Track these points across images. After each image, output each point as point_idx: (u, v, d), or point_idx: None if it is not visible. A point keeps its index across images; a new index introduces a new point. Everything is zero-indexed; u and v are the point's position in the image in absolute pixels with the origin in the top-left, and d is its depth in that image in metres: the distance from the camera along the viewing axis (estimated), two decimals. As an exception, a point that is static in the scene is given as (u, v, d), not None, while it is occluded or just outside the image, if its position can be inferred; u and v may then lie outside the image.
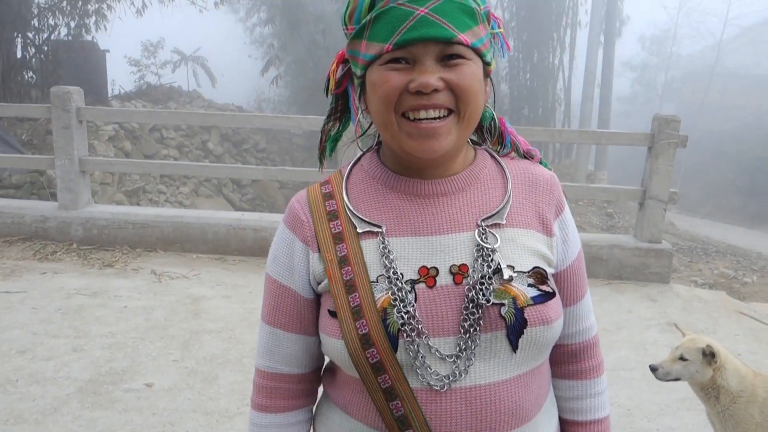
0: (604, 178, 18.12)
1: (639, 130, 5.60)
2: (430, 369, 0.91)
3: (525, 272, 0.95)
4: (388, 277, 0.93)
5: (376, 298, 0.92)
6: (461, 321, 0.91)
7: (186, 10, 14.26)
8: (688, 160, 25.22)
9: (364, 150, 1.10)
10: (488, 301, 0.91)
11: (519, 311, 0.91)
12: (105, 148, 10.15)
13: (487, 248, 0.94)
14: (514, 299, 0.92)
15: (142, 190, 10.79)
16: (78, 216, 5.49)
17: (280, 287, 1.03)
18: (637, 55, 36.50)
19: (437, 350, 0.91)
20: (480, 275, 0.92)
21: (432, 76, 0.88)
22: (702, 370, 2.26)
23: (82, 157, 5.55)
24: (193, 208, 11.45)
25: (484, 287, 0.91)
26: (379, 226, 0.97)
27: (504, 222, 0.98)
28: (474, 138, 1.10)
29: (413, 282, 0.93)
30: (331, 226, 0.99)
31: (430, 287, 0.93)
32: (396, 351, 0.90)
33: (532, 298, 0.93)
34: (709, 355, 2.24)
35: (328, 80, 1.06)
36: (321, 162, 1.14)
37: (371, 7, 0.91)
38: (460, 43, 0.89)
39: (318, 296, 1.02)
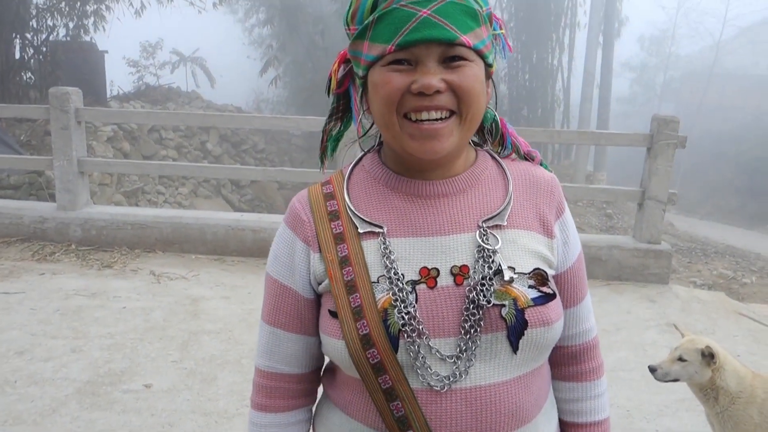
0: (603, 178, 18.13)
1: (638, 131, 5.60)
2: (431, 370, 0.91)
3: (526, 273, 0.95)
4: (389, 278, 0.93)
5: (376, 299, 0.92)
6: (462, 322, 0.91)
7: (185, 10, 14.25)
8: (687, 160, 25.24)
9: (365, 150, 1.10)
10: (489, 302, 0.91)
11: (520, 312, 0.91)
12: (104, 148, 10.14)
13: (488, 249, 0.94)
14: (515, 300, 0.92)
15: (140, 190, 10.79)
16: (77, 217, 5.49)
17: (281, 287, 1.03)
18: (636, 55, 36.51)
19: (438, 351, 0.91)
20: (481, 276, 0.92)
21: (434, 77, 0.88)
22: (701, 370, 2.26)
23: (80, 157, 5.54)
24: (192, 208, 11.45)
25: (484, 288, 0.91)
26: (381, 227, 0.97)
27: (505, 223, 0.98)
28: (475, 139, 1.10)
29: (414, 283, 0.93)
30: (332, 226, 0.99)
31: (431, 288, 0.93)
32: (396, 351, 0.90)
33: (533, 299, 0.93)
34: (708, 356, 2.24)
35: (330, 80, 1.06)
36: (322, 162, 1.14)
37: (374, 7, 0.91)
38: (463, 45, 0.89)
39: (318, 296, 1.02)
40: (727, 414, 2.25)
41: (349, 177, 1.05)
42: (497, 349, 0.92)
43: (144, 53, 19.16)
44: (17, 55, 11.49)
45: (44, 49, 11.79)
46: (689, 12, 35.88)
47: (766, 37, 32.47)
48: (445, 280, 0.93)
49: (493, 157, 1.08)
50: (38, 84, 11.52)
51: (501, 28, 1.02)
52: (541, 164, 1.11)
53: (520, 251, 0.97)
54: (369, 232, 0.97)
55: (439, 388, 0.91)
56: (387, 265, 0.94)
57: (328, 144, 1.12)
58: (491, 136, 1.09)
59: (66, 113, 5.39)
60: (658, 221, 5.13)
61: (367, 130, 1.08)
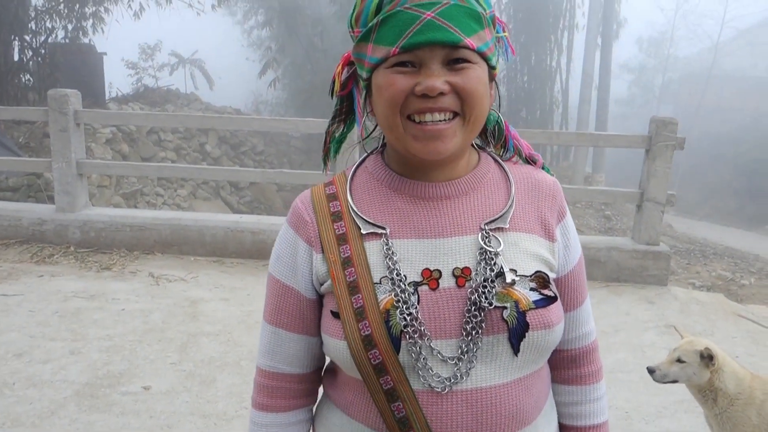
0: (601, 180, 18.15)
1: (636, 132, 5.61)
2: (432, 371, 0.91)
3: (527, 276, 0.95)
4: (392, 279, 0.93)
5: (379, 300, 0.92)
6: (463, 323, 0.92)
7: (183, 12, 14.27)
8: (686, 162, 25.25)
9: (368, 152, 1.11)
10: (491, 304, 0.91)
11: (521, 315, 0.92)
12: (102, 150, 10.14)
13: (490, 252, 0.94)
14: (517, 303, 0.92)
15: (139, 192, 10.79)
16: (75, 219, 5.49)
17: (283, 287, 1.03)
18: (635, 57, 36.54)
19: (439, 352, 0.91)
20: (483, 278, 0.93)
21: (438, 79, 0.89)
22: (699, 372, 2.26)
23: (79, 159, 5.54)
24: (191, 210, 11.44)
25: (486, 290, 0.92)
26: (383, 228, 0.97)
27: (507, 226, 0.99)
28: (478, 141, 1.11)
29: (416, 284, 0.93)
30: (335, 227, 0.99)
31: (433, 289, 0.93)
32: (398, 352, 0.90)
33: (534, 302, 0.93)
34: (707, 358, 2.24)
35: (333, 82, 1.06)
36: (325, 163, 1.14)
37: (378, 10, 0.92)
38: (466, 47, 0.90)
39: (320, 297, 1.02)
40: (726, 415, 2.25)
41: (352, 178, 1.06)
42: (498, 351, 0.93)
43: (143, 55, 19.15)
44: (16, 57, 11.48)
45: (43, 51, 11.79)
46: (687, 14, 35.96)
47: (765, 38, 32.51)
48: (447, 281, 0.94)
49: (495, 160, 1.08)
50: (37, 86, 11.52)
51: (504, 31, 1.03)
52: (543, 168, 1.12)
53: (521, 254, 0.97)
54: (372, 234, 0.98)
55: (440, 390, 0.91)
56: (389, 267, 0.94)
57: (331, 146, 1.12)
58: (494, 139, 1.10)
59: (65, 115, 5.39)
60: (656, 223, 5.14)
61: (371, 132, 1.09)
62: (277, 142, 15.98)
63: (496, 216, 0.99)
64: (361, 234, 0.98)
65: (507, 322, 0.92)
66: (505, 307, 0.92)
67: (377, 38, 0.92)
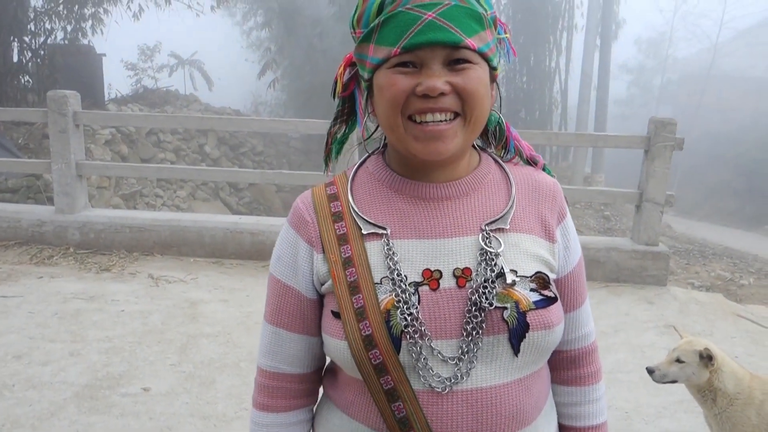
0: (601, 180, 18.16)
1: (635, 133, 5.61)
2: (432, 371, 0.91)
3: (527, 277, 0.96)
4: (392, 279, 0.93)
5: (379, 300, 0.93)
6: (464, 324, 0.92)
7: (183, 14, 14.26)
8: (685, 162, 25.26)
9: (370, 152, 1.11)
10: (491, 304, 0.91)
11: (521, 315, 0.92)
12: (102, 152, 10.14)
13: (491, 252, 0.95)
14: (517, 303, 0.93)
15: (139, 193, 10.78)
16: (75, 220, 5.48)
17: (284, 287, 1.04)
18: (633, 57, 36.60)
19: (439, 352, 0.92)
20: (483, 279, 0.93)
21: (439, 79, 0.89)
22: (698, 372, 2.27)
23: (78, 161, 5.54)
24: (190, 211, 11.44)
25: (487, 291, 0.92)
26: (384, 228, 0.98)
27: (508, 227, 0.99)
28: (479, 142, 1.11)
29: (417, 284, 0.94)
30: (336, 227, 1.00)
31: (434, 290, 0.93)
32: (399, 352, 0.91)
33: (535, 302, 0.94)
34: (707, 358, 2.25)
35: (335, 83, 1.07)
36: (326, 164, 1.15)
37: (380, 11, 0.92)
38: (467, 48, 0.90)
39: (321, 297, 1.03)
40: (725, 415, 2.25)
41: (352, 178, 1.06)
42: (498, 352, 0.93)
43: (142, 56, 19.14)
44: (15, 59, 11.48)
45: (42, 52, 11.79)
46: (686, 15, 36.05)
47: (763, 39, 32.55)
48: (447, 282, 0.94)
49: (496, 161, 1.09)
50: (36, 87, 11.52)
51: (506, 32, 1.03)
52: (544, 169, 1.12)
53: (522, 255, 0.98)
54: (372, 234, 0.98)
55: (440, 390, 0.91)
56: (390, 267, 0.94)
57: (333, 147, 1.12)
58: (495, 140, 1.10)
59: (64, 116, 5.39)
60: (655, 223, 5.14)
61: (372, 133, 1.09)
62: (276, 143, 15.98)
63: (497, 217, 1.00)
64: (362, 234, 0.98)
65: (507, 323, 0.92)
66: (506, 308, 0.92)
67: (379, 39, 0.92)
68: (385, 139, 1.08)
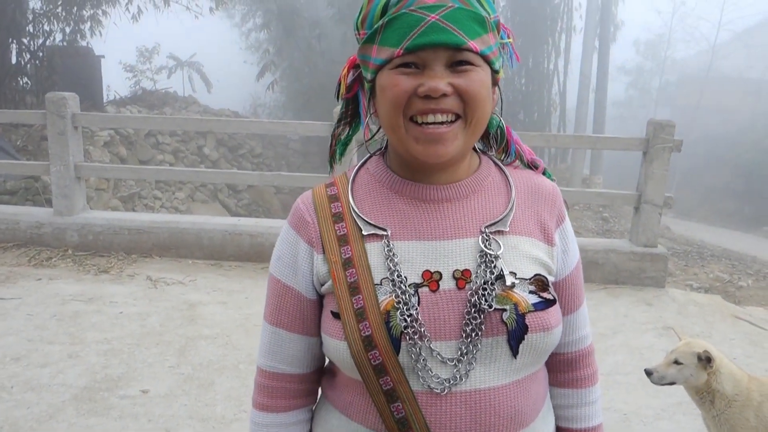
0: (599, 182, 18.17)
1: (634, 135, 5.62)
2: (432, 372, 0.92)
3: (526, 279, 0.96)
4: (392, 280, 0.94)
5: (379, 301, 0.93)
6: (463, 325, 0.92)
7: (181, 15, 14.26)
8: (683, 164, 25.26)
9: (371, 153, 1.12)
10: (490, 306, 0.92)
11: (520, 317, 0.93)
12: (100, 153, 10.14)
13: (491, 254, 0.95)
14: (516, 305, 0.93)
15: (137, 195, 10.77)
16: (73, 222, 5.48)
17: (284, 287, 1.04)
18: (632, 59, 36.61)
19: (439, 354, 0.92)
20: (483, 281, 0.94)
21: (441, 81, 0.89)
22: (696, 373, 2.27)
23: (77, 163, 5.54)
24: (189, 213, 11.43)
25: (486, 293, 0.92)
26: (384, 229, 0.98)
27: (507, 229, 1.00)
28: (479, 145, 1.11)
29: (417, 286, 0.94)
30: (336, 227, 1.00)
31: (433, 291, 0.94)
32: (398, 353, 0.91)
33: (533, 304, 0.94)
34: (705, 360, 2.25)
35: (339, 84, 1.07)
36: (331, 166, 1.15)
37: (383, 12, 0.93)
38: (470, 50, 0.90)
39: (321, 297, 1.03)
40: (724, 417, 2.25)
41: (353, 179, 1.06)
42: (497, 353, 0.93)
43: (141, 58, 19.14)
44: (14, 60, 11.48)
45: (41, 54, 11.79)
46: (684, 16, 36.06)
47: (761, 41, 32.62)
48: (447, 283, 0.94)
49: (496, 164, 1.09)
50: (35, 89, 11.52)
51: (509, 37, 1.03)
52: (544, 173, 1.13)
53: (521, 257, 0.98)
54: (373, 235, 0.98)
55: (439, 391, 0.92)
56: (390, 268, 0.95)
57: (337, 148, 1.13)
58: (496, 143, 1.11)
59: (63, 118, 5.39)
60: (654, 225, 5.15)
61: (374, 134, 1.09)
62: (275, 145, 15.97)
63: (497, 219, 1.00)
64: (362, 235, 0.98)
65: (506, 325, 0.92)
66: (505, 310, 0.93)
67: (382, 40, 0.92)
68: (386, 140, 1.08)
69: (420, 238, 0.98)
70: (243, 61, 22.60)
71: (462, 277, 0.95)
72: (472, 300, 0.93)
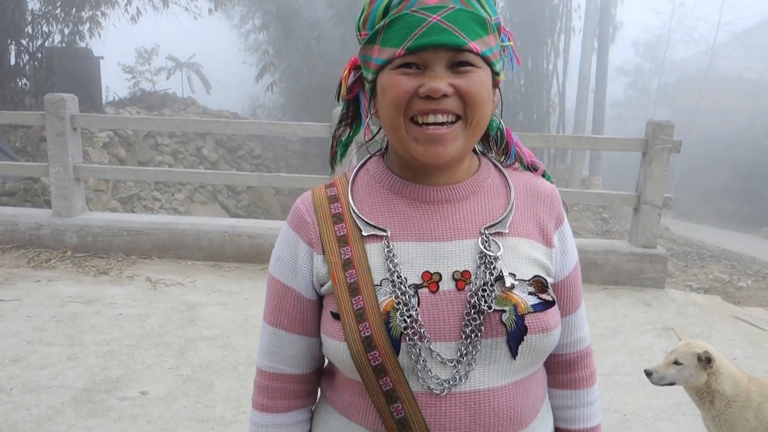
0: (598, 183, 18.18)
1: (633, 135, 5.63)
2: (431, 373, 0.92)
3: (526, 280, 0.96)
4: (392, 281, 0.94)
5: (379, 302, 0.93)
6: (463, 326, 0.93)
7: (180, 16, 14.26)
8: (682, 164, 25.28)
9: (371, 154, 1.12)
10: (490, 307, 0.92)
11: (519, 318, 0.93)
12: (99, 155, 10.13)
13: (490, 256, 0.96)
14: (515, 306, 0.93)
15: (136, 197, 10.77)
16: (72, 223, 5.48)
17: (283, 288, 1.04)
18: (631, 60, 36.64)
19: (438, 354, 0.92)
20: (482, 282, 0.94)
21: (442, 81, 0.90)
22: (696, 374, 2.27)
23: (76, 164, 5.54)
24: (188, 214, 11.42)
25: (486, 294, 0.93)
26: (384, 230, 0.98)
27: (506, 231, 1.00)
28: (479, 147, 1.12)
29: (416, 286, 0.94)
30: (336, 228, 1.00)
31: (433, 292, 0.94)
32: (398, 354, 0.91)
33: (533, 306, 0.95)
34: (705, 360, 2.25)
35: (340, 86, 1.08)
36: (332, 167, 1.15)
37: (385, 13, 0.93)
38: (470, 51, 0.91)
39: (321, 298, 1.03)
40: (723, 418, 2.25)
41: (353, 180, 1.06)
42: (497, 354, 0.94)
43: (140, 59, 19.16)
44: (12, 62, 11.48)
45: (40, 55, 11.79)
46: (683, 17, 36.09)
47: (760, 41, 32.66)
48: (447, 284, 0.95)
49: (495, 166, 1.09)
50: (33, 90, 11.51)
51: (509, 40, 1.04)
52: (544, 175, 1.13)
53: (520, 258, 0.99)
54: (372, 236, 0.98)
55: (438, 392, 0.92)
56: (390, 269, 0.95)
57: (338, 149, 1.13)
58: (496, 145, 1.11)
59: (61, 120, 5.39)
60: (653, 225, 5.15)
61: (374, 135, 1.10)
62: (274, 146, 15.97)
63: (496, 221, 1.00)
64: (362, 236, 0.98)
65: (506, 326, 0.93)
66: (504, 311, 0.93)
67: (383, 40, 0.93)
68: (386, 142, 1.08)
69: (420, 239, 0.98)
70: (242, 63, 22.60)
71: (461, 279, 0.95)
72: (472, 301, 0.93)
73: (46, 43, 12.01)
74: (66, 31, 12.28)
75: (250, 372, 3.43)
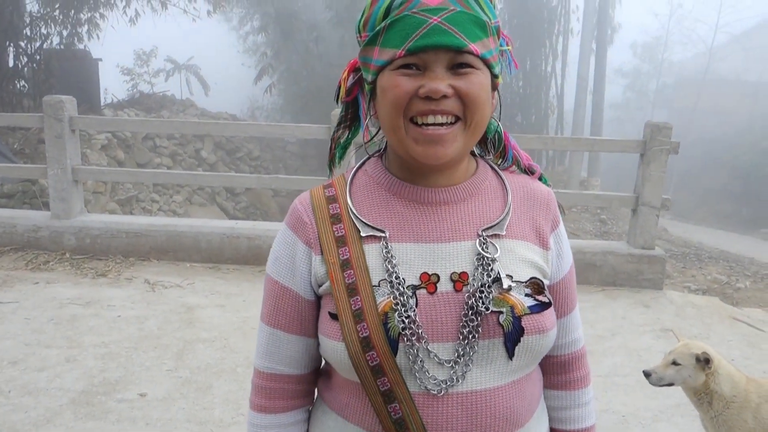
0: (597, 184, 18.18)
1: (631, 137, 5.64)
2: (429, 373, 0.92)
3: (523, 282, 0.97)
4: (390, 282, 0.94)
5: (377, 302, 0.93)
6: (460, 327, 0.93)
7: (179, 18, 14.27)
8: (681, 166, 25.32)
9: (369, 155, 1.12)
10: (487, 308, 0.93)
11: (516, 320, 0.94)
12: (98, 157, 10.12)
13: (488, 257, 0.96)
14: (512, 308, 0.94)
15: (135, 198, 10.76)
16: (71, 225, 5.47)
17: (281, 288, 1.04)
18: (629, 62, 36.69)
19: (436, 355, 0.93)
20: (480, 283, 0.94)
21: (442, 82, 0.90)
22: (694, 374, 2.27)
23: (74, 166, 5.53)
24: (187, 216, 11.41)
25: (483, 295, 0.93)
26: (383, 231, 0.99)
27: (504, 233, 1.01)
28: (477, 150, 1.12)
29: (414, 287, 0.95)
30: (334, 229, 1.00)
31: (431, 293, 0.94)
32: (396, 355, 0.91)
33: (529, 307, 0.95)
34: (703, 361, 2.25)
35: (339, 88, 1.08)
36: (331, 169, 1.16)
37: (386, 15, 0.94)
38: (470, 53, 0.91)
39: (318, 298, 1.03)
40: (722, 418, 2.25)
41: (351, 181, 1.07)
42: (494, 355, 0.94)
43: (138, 61, 19.17)
44: (11, 63, 11.48)
45: (38, 57, 11.79)
46: (681, 19, 36.18)
47: (758, 43, 32.70)
48: (445, 286, 0.95)
49: (493, 168, 1.10)
50: (32, 92, 11.52)
51: (508, 45, 1.05)
52: (540, 178, 1.14)
53: (517, 260, 0.99)
54: (371, 236, 0.99)
55: (436, 392, 0.92)
56: (388, 270, 0.95)
57: (337, 151, 1.13)
58: (494, 148, 1.12)
59: (60, 121, 5.39)
60: (651, 227, 5.15)
61: (373, 136, 1.10)
62: (273, 148, 15.97)
63: (493, 223, 1.01)
64: (361, 237, 0.99)
65: (503, 327, 0.93)
66: (501, 312, 0.93)
67: (384, 41, 0.93)
68: (384, 143, 1.09)
69: (418, 241, 0.98)
70: (240, 64, 22.58)
71: (459, 280, 0.95)
72: (470, 302, 0.93)
73: (45, 45, 12.01)
74: (64, 32, 12.28)
75: (248, 374, 3.43)
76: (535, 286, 0.98)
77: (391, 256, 0.96)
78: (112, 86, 15.52)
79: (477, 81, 0.92)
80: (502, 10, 19.92)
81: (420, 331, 0.92)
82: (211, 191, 12.99)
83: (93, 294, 4.63)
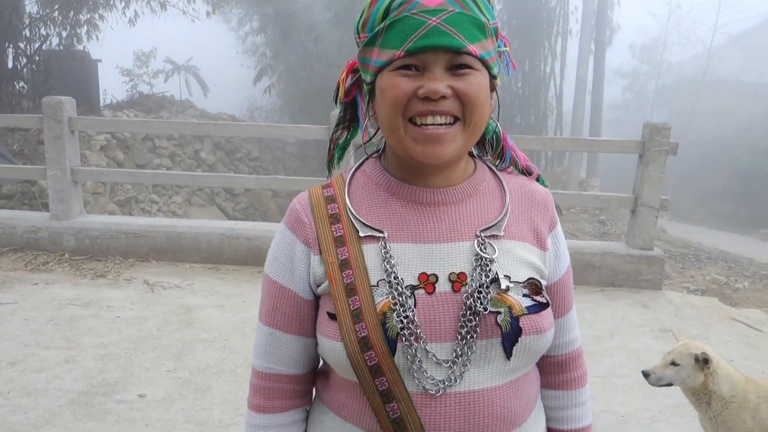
0: (596, 185, 18.19)
1: (630, 138, 5.64)
2: (427, 373, 0.93)
3: (520, 283, 0.98)
4: (389, 282, 0.94)
5: (376, 302, 0.94)
6: (458, 327, 0.93)
7: (178, 19, 14.27)
8: (680, 166, 25.34)
9: (368, 155, 1.12)
10: (485, 309, 0.93)
11: (514, 320, 0.94)
12: (97, 157, 10.12)
13: (486, 258, 0.96)
14: (510, 308, 0.94)
15: (134, 199, 10.76)
16: (70, 226, 5.47)
17: (280, 288, 1.04)
18: (628, 62, 36.71)
19: (434, 355, 0.93)
20: (478, 284, 0.95)
21: (440, 83, 0.91)
22: (693, 375, 2.27)
23: (74, 167, 5.54)
24: (186, 217, 11.41)
25: (481, 295, 0.94)
26: (381, 231, 0.99)
27: (502, 234, 1.01)
28: (475, 151, 1.13)
29: (413, 288, 0.95)
30: (333, 228, 1.00)
31: (429, 293, 0.95)
32: (394, 354, 0.92)
33: (527, 307, 0.96)
34: (702, 361, 2.25)
35: (338, 89, 1.09)
36: (329, 171, 1.16)
37: (385, 16, 0.94)
38: (469, 54, 0.92)
39: (317, 298, 1.03)
40: (720, 419, 2.26)
41: (350, 181, 1.07)
42: (492, 355, 0.94)
43: (137, 62, 19.17)
44: (10, 65, 11.48)
45: (37, 58, 11.79)
46: (680, 20, 36.20)
47: (757, 44, 32.74)
48: (443, 286, 0.95)
49: (491, 169, 1.10)
50: (31, 93, 11.51)
51: (506, 46, 1.05)
52: (538, 179, 1.14)
53: (515, 261, 1.00)
54: (369, 237, 0.99)
55: (434, 392, 0.93)
56: (387, 270, 0.95)
57: (335, 152, 1.14)
58: (492, 149, 1.12)
59: (59, 122, 5.39)
60: (650, 227, 5.16)
61: (372, 137, 1.10)
62: (272, 149, 15.97)
63: (491, 224, 1.01)
64: (359, 237, 0.99)
65: (501, 327, 0.94)
66: (499, 312, 0.94)
67: (383, 42, 0.94)
68: (383, 143, 1.09)
69: (416, 241, 0.99)
70: (240, 65, 22.57)
71: (457, 280, 0.96)
72: (468, 302, 0.94)
73: (44, 46, 12.01)
74: (64, 34, 12.28)
75: (248, 374, 3.41)
76: (533, 287, 0.98)
77: (390, 256, 0.97)
78: (111, 87, 15.53)
79: (476, 82, 0.93)
80: (501, 10, 19.94)
81: (418, 331, 0.92)
82: (211, 192, 12.99)
83: (92, 295, 4.63)
